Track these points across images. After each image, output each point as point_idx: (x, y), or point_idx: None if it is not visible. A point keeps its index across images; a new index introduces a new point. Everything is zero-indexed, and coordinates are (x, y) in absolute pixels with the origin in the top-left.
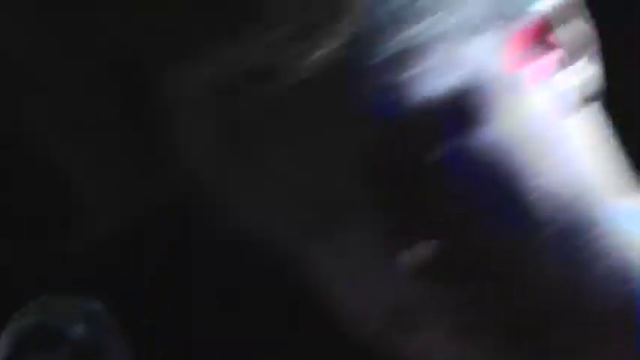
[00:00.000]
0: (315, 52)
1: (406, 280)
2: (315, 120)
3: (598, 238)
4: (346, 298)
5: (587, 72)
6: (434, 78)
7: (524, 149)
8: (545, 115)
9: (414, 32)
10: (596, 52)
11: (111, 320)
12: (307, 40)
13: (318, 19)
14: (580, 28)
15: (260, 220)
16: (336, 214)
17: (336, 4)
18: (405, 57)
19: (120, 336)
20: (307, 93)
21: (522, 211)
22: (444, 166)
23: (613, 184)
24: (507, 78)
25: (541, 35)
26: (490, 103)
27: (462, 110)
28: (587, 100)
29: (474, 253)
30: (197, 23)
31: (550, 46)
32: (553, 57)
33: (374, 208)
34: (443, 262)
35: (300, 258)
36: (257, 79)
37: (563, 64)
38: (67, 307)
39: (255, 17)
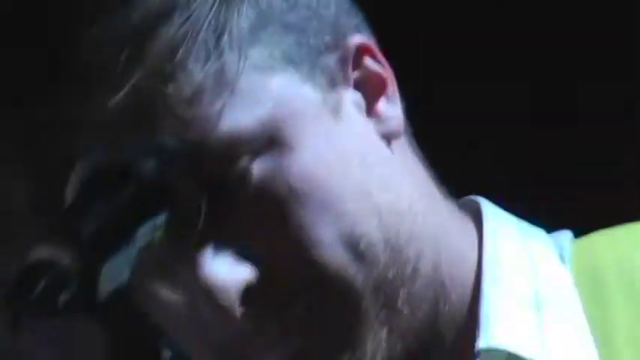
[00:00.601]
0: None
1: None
2: None
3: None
4: None
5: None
6: (243, 107)
7: (341, 172)
8: (362, 139)
9: (223, 64)
10: (395, 93)
11: (183, 156)
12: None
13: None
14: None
15: None
16: None
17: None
18: (214, 87)
19: (192, 172)
20: None
21: (339, 236)
22: (257, 192)
23: (431, 204)
24: (321, 104)
25: (355, 64)
26: (304, 128)
27: (274, 137)
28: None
29: (289, 282)
30: None
31: (364, 75)
32: (365, 86)
33: None
34: (262, 292)
35: None
36: None
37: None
38: (137, 143)
39: None
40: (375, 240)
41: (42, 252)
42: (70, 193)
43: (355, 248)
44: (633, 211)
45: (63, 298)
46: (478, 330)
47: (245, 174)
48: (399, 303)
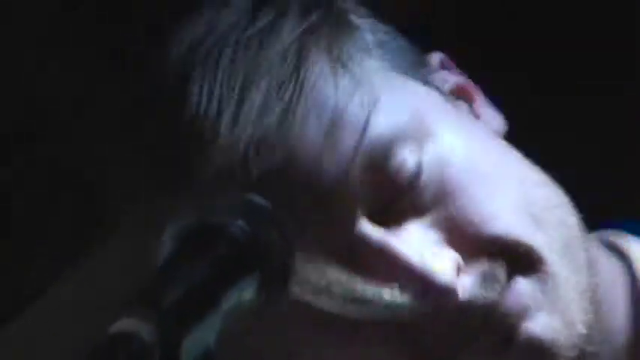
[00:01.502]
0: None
1: None
2: None
3: None
4: None
5: None
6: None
7: (494, 158)
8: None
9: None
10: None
11: (272, 214)
12: None
13: None
14: None
15: None
16: None
17: None
18: None
19: (282, 230)
20: None
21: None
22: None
23: None
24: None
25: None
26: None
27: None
28: None
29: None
30: None
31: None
32: None
33: None
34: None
35: None
36: None
37: None
38: (226, 203)
39: None
40: (546, 204)
41: (122, 324)
42: (166, 249)
43: (531, 212)
44: (635, 210)
45: None
46: None
47: (404, 164)
48: (582, 263)
